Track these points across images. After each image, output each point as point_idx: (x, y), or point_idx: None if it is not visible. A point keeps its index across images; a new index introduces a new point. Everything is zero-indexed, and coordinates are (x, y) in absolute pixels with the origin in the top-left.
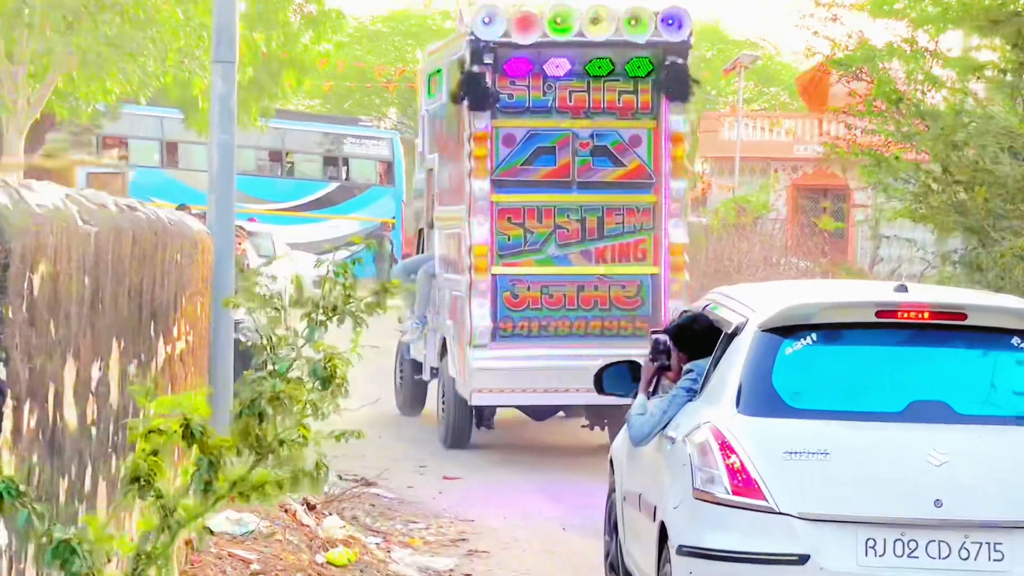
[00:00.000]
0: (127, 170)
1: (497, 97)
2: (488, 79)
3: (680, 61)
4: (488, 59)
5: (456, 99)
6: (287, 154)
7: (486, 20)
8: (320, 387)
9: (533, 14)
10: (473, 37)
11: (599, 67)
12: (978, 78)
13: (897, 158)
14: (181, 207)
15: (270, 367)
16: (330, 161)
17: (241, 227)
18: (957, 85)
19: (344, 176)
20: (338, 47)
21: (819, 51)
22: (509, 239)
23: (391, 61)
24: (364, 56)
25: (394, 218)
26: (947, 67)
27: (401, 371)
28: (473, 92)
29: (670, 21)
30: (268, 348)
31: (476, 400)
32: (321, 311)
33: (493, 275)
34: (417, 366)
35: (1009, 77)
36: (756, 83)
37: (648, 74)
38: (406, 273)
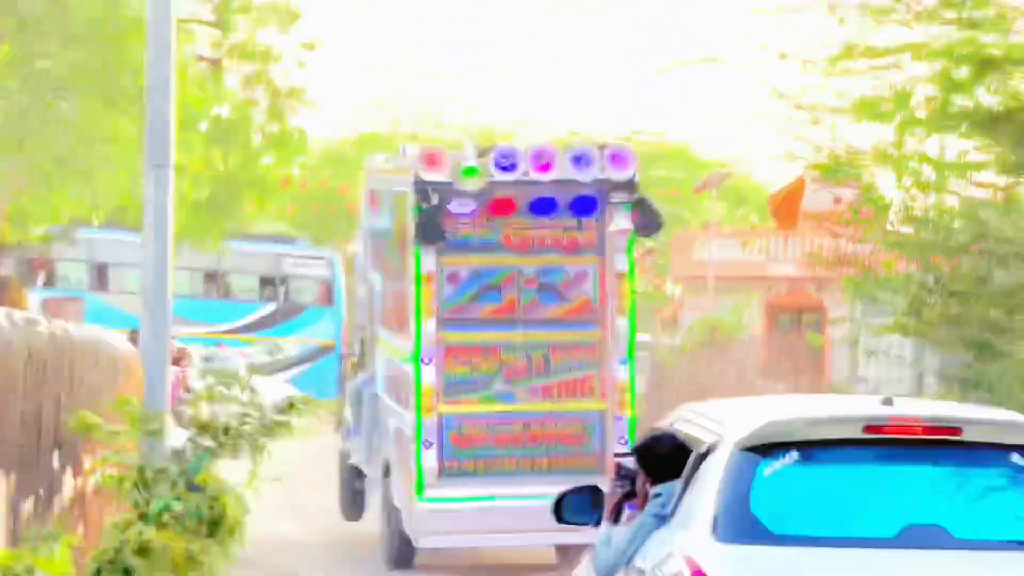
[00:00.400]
0: (82, 296)
1: (444, 232)
2: (437, 215)
3: (641, 197)
4: (434, 199)
5: (415, 239)
6: (223, 275)
7: (429, 163)
8: (206, 532)
9: (477, 168)
10: (417, 179)
11: (544, 207)
12: (974, 181)
13: (887, 267)
14: (133, 332)
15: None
16: (267, 282)
17: (183, 348)
18: (952, 189)
19: (282, 297)
20: (301, 168)
21: (799, 156)
22: (455, 376)
23: (358, 183)
24: (331, 179)
25: (333, 340)
26: (939, 171)
27: (344, 475)
28: (427, 228)
29: (615, 159)
30: (139, 483)
31: (423, 543)
32: (210, 435)
33: (439, 414)
34: (359, 472)
35: (1009, 179)
36: (727, 204)
37: (593, 212)
38: (350, 392)
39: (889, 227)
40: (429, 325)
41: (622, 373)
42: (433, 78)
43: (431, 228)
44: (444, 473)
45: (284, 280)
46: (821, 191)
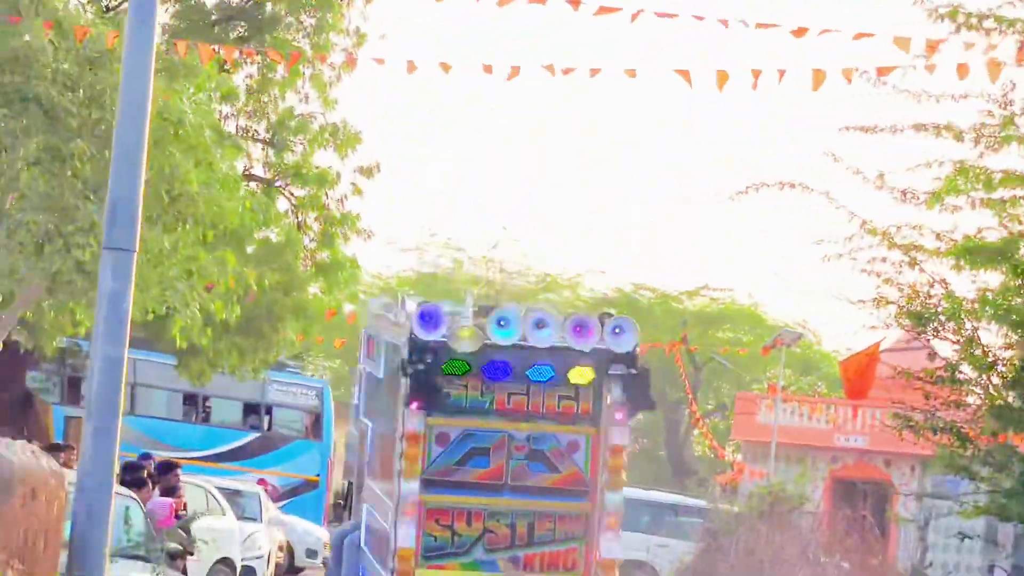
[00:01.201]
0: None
1: (438, 397)
2: (432, 376)
3: (643, 371)
4: (429, 358)
5: (405, 399)
6: (204, 398)
7: (426, 320)
8: None
9: (473, 330)
10: (412, 337)
11: (540, 373)
12: None
13: (995, 434)
14: (143, 457)
15: None
16: (251, 409)
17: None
18: None
19: (266, 426)
20: (351, 299)
21: (890, 301)
22: (436, 540)
23: None
24: None
25: (319, 475)
26: None
27: None
28: (422, 392)
29: (617, 330)
30: None
31: None
32: None
33: None
34: None
35: None
36: (793, 371)
37: (590, 383)
38: (334, 540)
39: (993, 391)
40: (413, 485)
41: (612, 551)
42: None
43: (425, 389)
44: None
45: (269, 409)
46: (900, 353)
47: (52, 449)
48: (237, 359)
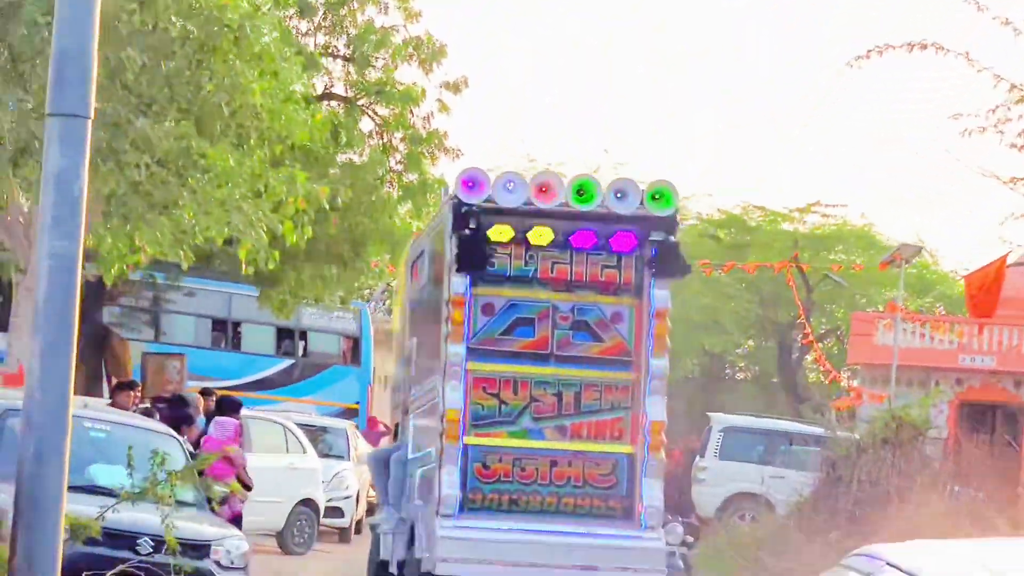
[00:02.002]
0: (185, 353)
1: (490, 260)
2: (480, 244)
3: (671, 239)
4: (472, 224)
5: (454, 265)
6: (235, 324)
7: (468, 185)
8: None
9: (517, 176)
10: (456, 200)
11: (582, 239)
12: None
13: None
14: (205, 391)
15: None
16: (285, 334)
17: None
18: None
19: (301, 352)
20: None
21: None
22: (483, 409)
23: None
24: None
25: (358, 402)
26: None
27: (373, 550)
28: (469, 254)
29: (657, 196)
30: None
31: (440, 570)
32: None
33: (465, 445)
34: (386, 566)
35: None
36: (909, 292)
37: (632, 250)
38: (377, 462)
39: None
40: (459, 348)
41: (657, 413)
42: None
43: (473, 253)
44: (467, 504)
45: (304, 333)
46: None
47: (120, 387)
48: (321, 288)
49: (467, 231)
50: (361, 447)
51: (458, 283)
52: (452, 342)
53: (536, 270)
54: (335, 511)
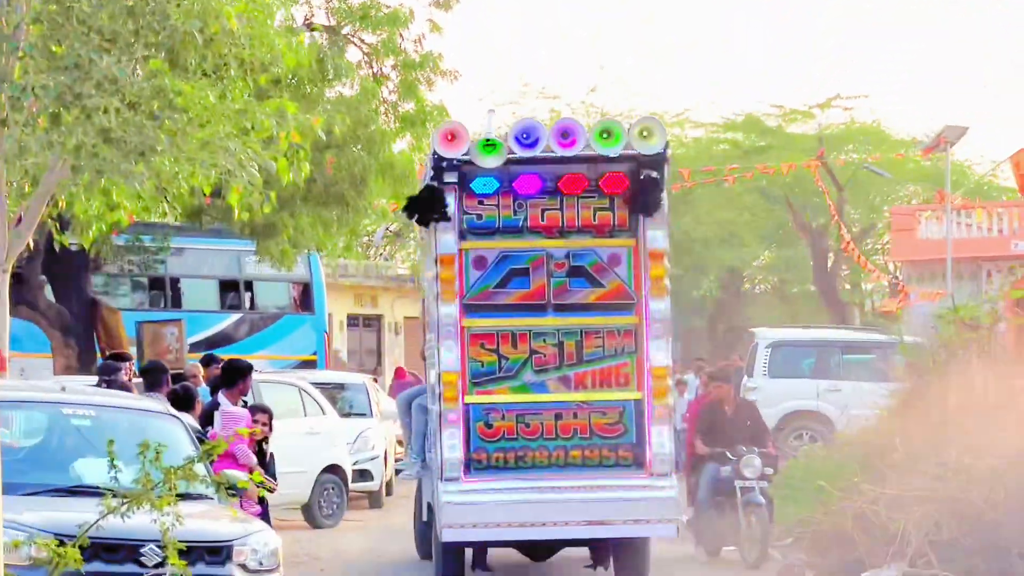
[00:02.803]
0: (182, 318)
1: (456, 215)
2: (448, 196)
3: (653, 175)
4: (451, 177)
5: (408, 215)
6: (172, 280)
7: (449, 137)
8: None
9: (500, 144)
10: (435, 155)
11: (570, 184)
12: None
13: None
14: (208, 359)
15: None
16: (228, 286)
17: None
18: None
19: (248, 305)
20: None
21: None
22: (483, 365)
23: None
24: None
25: (315, 353)
26: None
27: (416, 512)
28: (424, 208)
29: (644, 133)
30: None
31: (448, 536)
32: None
33: (466, 404)
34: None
35: None
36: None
37: (624, 190)
38: (406, 404)
39: None
40: (451, 308)
41: (661, 358)
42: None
43: (421, 205)
44: (472, 466)
45: (249, 284)
46: None
47: (114, 359)
48: (323, 234)
49: (430, 184)
50: (383, 402)
51: (445, 241)
52: (444, 301)
53: (526, 218)
54: (363, 474)
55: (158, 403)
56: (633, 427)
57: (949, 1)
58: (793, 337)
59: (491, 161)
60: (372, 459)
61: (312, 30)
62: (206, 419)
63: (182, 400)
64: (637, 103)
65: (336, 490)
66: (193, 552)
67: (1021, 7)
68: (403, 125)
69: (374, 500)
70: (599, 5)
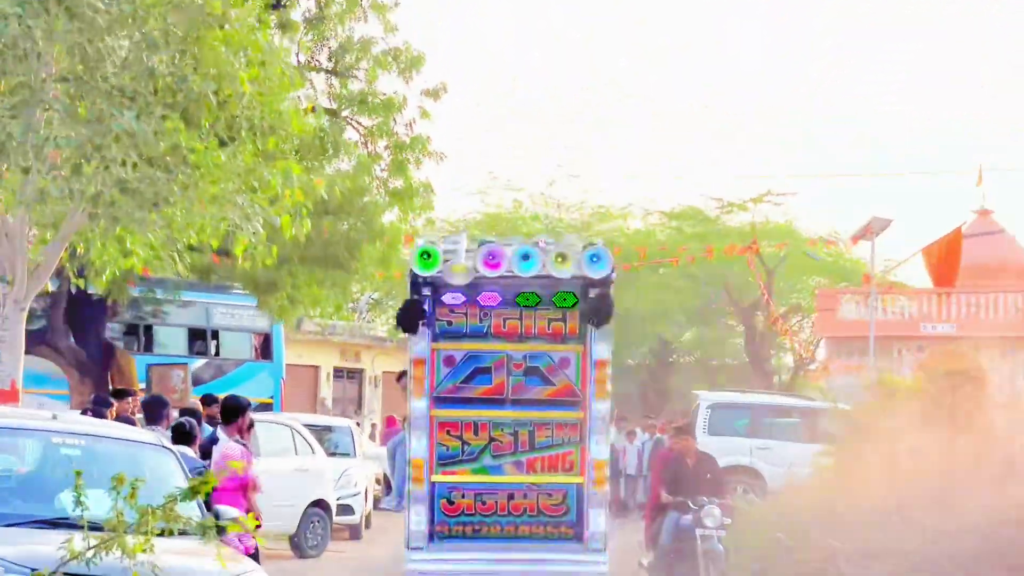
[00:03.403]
0: (187, 362)
1: (430, 322)
2: (426, 307)
3: (603, 291)
4: (426, 291)
5: (397, 324)
6: (146, 328)
7: (424, 257)
8: None
9: (464, 266)
10: (411, 272)
11: (528, 299)
12: None
13: None
14: (208, 398)
15: None
16: (196, 335)
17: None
18: None
19: (213, 351)
20: (429, 224)
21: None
22: (448, 449)
23: None
24: None
25: (271, 398)
26: None
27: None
28: (409, 319)
29: (595, 259)
30: None
31: None
32: None
33: (432, 482)
34: None
35: None
36: (828, 278)
37: (573, 305)
38: (392, 450)
39: None
40: (421, 403)
41: (600, 452)
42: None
43: (410, 317)
44: (434, 536)
45: (216, 333)
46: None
47: (117, 395)
48: (317, 291)
49: (413, 297)
50: (366, 444)
51: (418, 345)
52: (415, 397)
53: (490, 325)
54: (345, 508)
55: (153, 435)
56: (574, 508)
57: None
58: (730, 400)
59: (460, 279)
60: (354, 495)
61: (315, 111)
62: (204, 455)
63: (184, 434)
64: (588, 197)
65: (321, 523)
66: None
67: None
68: (392, 199)
69: (354, 532)
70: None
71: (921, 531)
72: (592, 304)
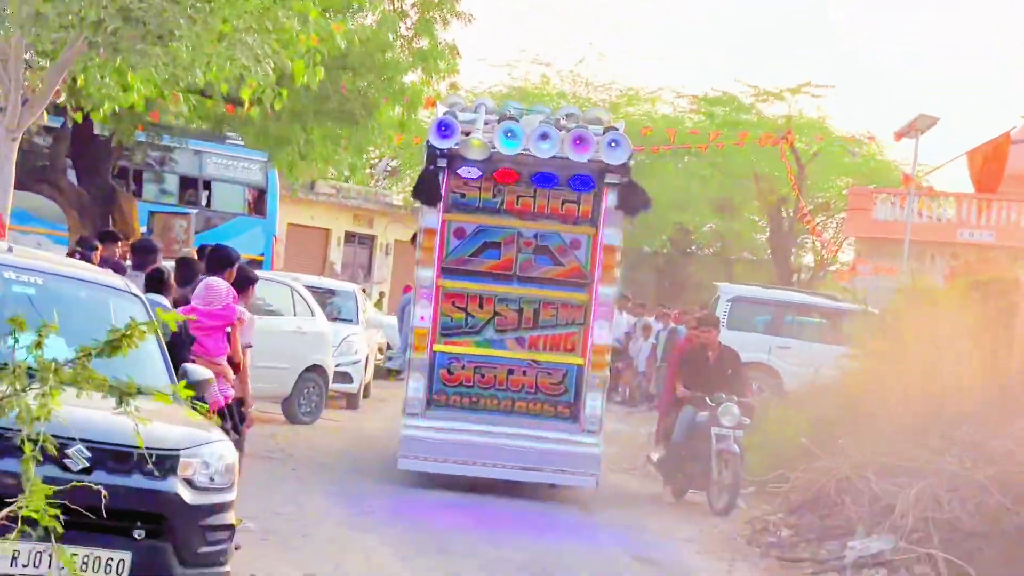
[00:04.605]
0: (192, 212)
1: (444, 197)
2: (442, 180)
3: (629, 180)
4: (442, 163)
5: (413, 195)
6: (136, 172)
7: (443, 130)
8: None
9: (482, 141)
10: (428, 143)
11: (544, 179)
12: None
13: None
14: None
15: None
16: (188, 183)
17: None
18: None
19: (204, 202)
20: (452, 89)
21: None
22: (452, 320)
23: None
24: None
25: (263, 254)
26: None
27: None
28: (426, 191)
29: (613, 144)
30: None
31: (403, 466)
32: None
33: (433, 351)
34: None
35: None
36: (858, 180)
37: (589, 188)
38: (401, 309)
39: None
40: (429, 273)
41: (602, 336)
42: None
43: (427, 189)
44: (432, 404)
45: (208, 183)
46: None
47: (103, 238)
48: (330, 149)
49: (429, 168)
50: (371, 312)
51: (430, 216)
52: (423, 266)
53: (503, 201)
54: (343, 376)
55: (120, 279)
56: (573, 388)
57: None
58: (753, 294)
59: (477, 154)
60: (354, 363)
61: None
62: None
63: (158, 281)
64: (618, 79)
65: (316, 389)
66: (128, 459)
67: None
68: (416, 59)
69: (351, 402)
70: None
71: (961, 451)
72: (624, 194)
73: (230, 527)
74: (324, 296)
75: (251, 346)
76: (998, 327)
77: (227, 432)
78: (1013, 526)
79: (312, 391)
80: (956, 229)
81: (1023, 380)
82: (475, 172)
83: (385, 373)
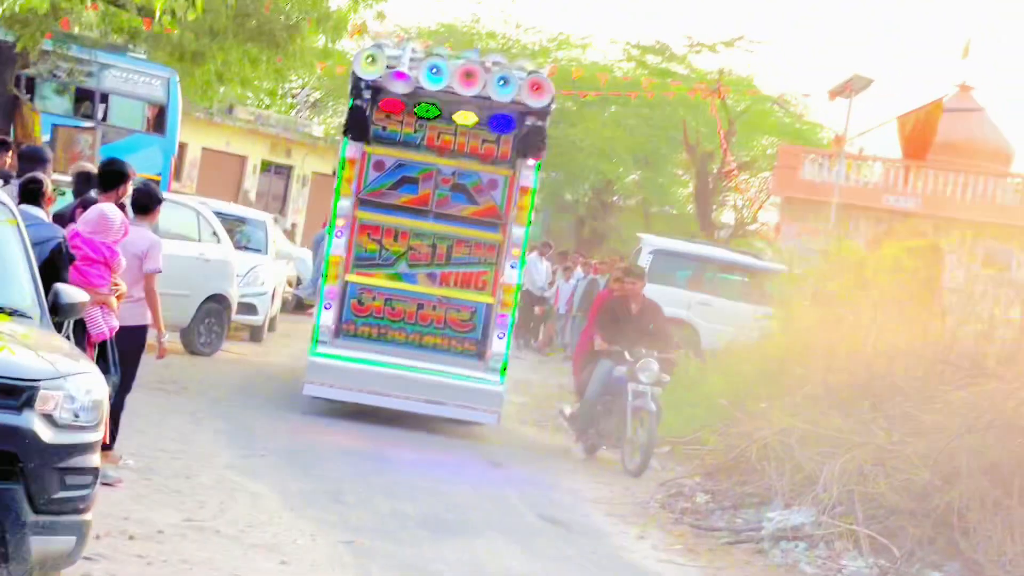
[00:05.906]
0: (96, 126)
1: (370, 131)
2: (367, 112)
3: (539, 123)
4: (367, 95)
5: (344, 131)
6: (28, 80)
7: (368, 60)
8: None
9: (406, 74)
10: (353, 74)
11: (465, 118)
12: None
13: None
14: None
15: None
16: (84, 95)
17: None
18: None
19: (101, 116)
20: (379, 17)
21: None
22: (366, 251)
23: None
24: None
25: (160, 175)
26: None
27: None
28: (357, 126)
29: (536, 87)
30: None
31: (308, 391)
32: None
33: (345, 281)
34: None
35: None
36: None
37: (509, 129)
38: (315, 242)
39: None
40: (346, 203)
41: (511, 276)
42: None
43: (358, 124)
44: (340, 333)
45: (105, 96)
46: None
47: None
48: (249, 69)
49: (357, 103)
50: (282, 243)
51: (351, 146)
52: (342, 196)
53: (424, 137)
54: (248, 307)
55: None
56: (480, 326)
57: None
58: (675, 248)
59: (400, 87)
60: (260, 295)
61: None
62: (69, 220)
63: (33, 191)
64: (549, 22)
65: (218, 319)
66: None
67: None
68: None
69: (255, 334)
70: None
71: (890, 423)
72: (525, 136)
73: (94, 470)
74: (233, 224)
75: (160, 271)
76: (925, 295)
77: (106, 372)
78: (941, 505)
79: (213, 321)
80: (883, 195)
81: (953, 351)
82: (397, 106)
83: (293, 306)
